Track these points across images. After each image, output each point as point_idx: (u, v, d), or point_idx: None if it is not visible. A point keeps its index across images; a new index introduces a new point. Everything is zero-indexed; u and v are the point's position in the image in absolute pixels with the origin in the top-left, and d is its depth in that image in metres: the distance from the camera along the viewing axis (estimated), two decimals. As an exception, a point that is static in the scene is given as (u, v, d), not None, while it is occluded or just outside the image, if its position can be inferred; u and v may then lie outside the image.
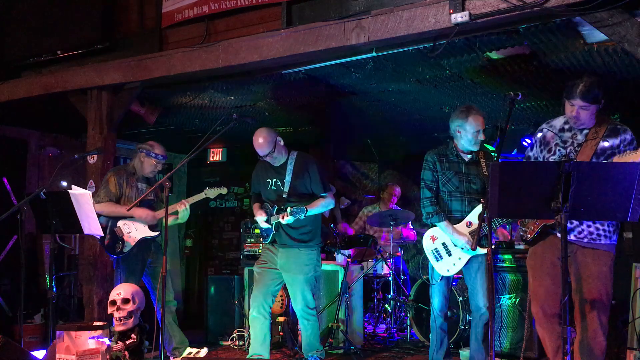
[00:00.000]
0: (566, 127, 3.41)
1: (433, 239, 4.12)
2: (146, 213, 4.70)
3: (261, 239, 4.65)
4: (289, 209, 4.21)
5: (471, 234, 3.96)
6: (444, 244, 4.08)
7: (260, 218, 4.46)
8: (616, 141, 3.23)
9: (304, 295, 4.40)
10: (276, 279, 4.48)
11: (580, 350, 3.22)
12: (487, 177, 3.96)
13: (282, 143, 4.41)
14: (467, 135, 3.96)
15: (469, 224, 4.00)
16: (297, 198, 4.39)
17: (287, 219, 4.23)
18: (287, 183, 4.41)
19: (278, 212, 4.36)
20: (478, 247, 3.88)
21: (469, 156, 4.07)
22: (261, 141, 4.30)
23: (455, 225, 4.02)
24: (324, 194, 4.42)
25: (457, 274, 4.16)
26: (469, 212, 4.02)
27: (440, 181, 4.08)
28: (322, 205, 4.41)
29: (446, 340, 4.17)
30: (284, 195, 4.41)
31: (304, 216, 4.21)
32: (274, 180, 4.47)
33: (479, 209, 3.98)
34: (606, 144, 3.23)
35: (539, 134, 3.54)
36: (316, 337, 4.53)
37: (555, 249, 3.14)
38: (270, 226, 4.44)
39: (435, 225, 4.10)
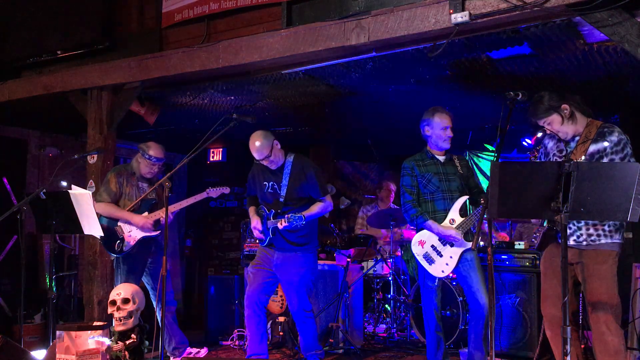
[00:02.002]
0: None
1: (421, 243, 4.13)
2: (143, 222, 4.66)
3: (258, 241, 4.62)
4: (286, 216, 4.17)
5: (458, 228, 4.00)
6: (432, 246, 4.08)
7: (256, 231, 4.42)
8: (603, 144, 3.26)
9: (300, 298, 4.38)
10: (271, 279, 4.45)
11: (594, 350, 3.27)
12: (462, 175, 4.16)
13: (279, 146, 4.34)
14: (434, 131, 4.11)
15: (452, 220, 4.04)
16: (294, 202, 4.36)
17: (284, 225, 4.20)
18: (284, 187, 4.36)
19: (275, 217, 4.33)
20: (465, 242, 3.97)
21: (443, 157, 4.19)
22: (258, 145, 4.22)
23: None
24: (322, 198, 4.39)
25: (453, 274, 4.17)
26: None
27: (420, 184, 4.13)
28: (320, 209, 4.36)
29: (442, 341, 4.16)
30: (281, 199, 4.36)
31: (303, 224, 4.19)
32: (271, 183, 4.42)
33: (457, 204, 4.06)
34: (594, 147, 3.27)
35: (542, 147, 3.63)
36: (314, 337, 4.51)
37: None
38: (265, 238, 4.41)
39: (421, 229, 4.13)
